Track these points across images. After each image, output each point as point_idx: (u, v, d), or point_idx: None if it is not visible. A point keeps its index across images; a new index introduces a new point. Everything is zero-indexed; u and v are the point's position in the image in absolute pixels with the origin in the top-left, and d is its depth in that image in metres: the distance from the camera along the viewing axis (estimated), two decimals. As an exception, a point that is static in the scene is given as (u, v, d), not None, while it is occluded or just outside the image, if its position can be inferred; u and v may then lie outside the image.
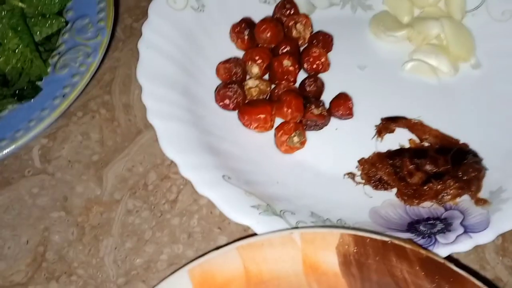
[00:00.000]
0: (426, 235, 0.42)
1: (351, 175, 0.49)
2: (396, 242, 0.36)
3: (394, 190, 0.48)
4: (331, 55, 0.57)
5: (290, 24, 0.56)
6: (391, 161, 0.48)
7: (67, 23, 0.56)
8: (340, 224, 0.44)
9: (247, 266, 0.36)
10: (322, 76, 0.55)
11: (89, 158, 0.53)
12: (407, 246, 0.36)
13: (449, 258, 0.38)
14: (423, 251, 0.36)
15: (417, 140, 0.51)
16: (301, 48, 0.57)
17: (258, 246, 0.36)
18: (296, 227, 0.41)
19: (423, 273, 0.35)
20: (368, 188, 0.49)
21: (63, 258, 0.47)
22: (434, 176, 0.47)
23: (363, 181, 0.49)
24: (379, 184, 0.48)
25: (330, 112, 0.53)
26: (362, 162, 0.50)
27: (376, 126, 0.52)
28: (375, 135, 0.51)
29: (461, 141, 0.50)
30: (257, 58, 0.54)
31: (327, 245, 0.37)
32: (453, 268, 0.35)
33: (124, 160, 0.53)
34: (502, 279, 0.46)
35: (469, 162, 0.47)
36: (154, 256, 0.47)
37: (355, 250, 0.36)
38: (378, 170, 0.48)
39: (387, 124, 0.52)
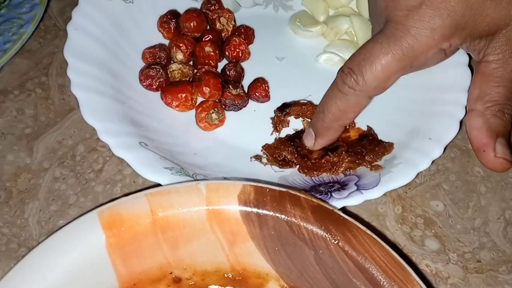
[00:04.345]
0: (324, 192, 0.43)
1: (258, 158, 0.50)
2: (292, 191, 0.37)
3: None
4: (252, 47, 0.59)
5: (214, 17, 0.58)
6: (292, 143, 0.50)
7: (4, 0, 0.58)
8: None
9: (154, 210, 0.36)
10: (243, 64, 0.57)
11: (21, 131, 0.53)
12: (301, 195, 0.37)
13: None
14: (315, 200, 0.37)
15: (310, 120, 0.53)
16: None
17: (166, 193, 0.37)
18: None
19: (313, 218, 0.36)
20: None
21: (-12, 218, 0.47)
22: (330, 150, 0.48)
23: (269, 162, 0.50)
24: (284, 163, 0.49)
25: (248, 95, 0.54)
26: (266, 147, 0.51)
27: (271, 118, 0.53)
28: (273, 131, 0.53)
29: (370, 124, 0.52)
30: (181, 45, 0.55)
31: (230, 193, 0.37)
32: (340, 214, 0.36)
33: (55, 133, 0.53)
34: (400, 244, 0.47)
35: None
36: (77, 218, 0.47)
37: (254, 198, 0.37)
38: (281, 151, 0.50)
39: (281, 117, 0.53)
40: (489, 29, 0.44)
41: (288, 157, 0.49)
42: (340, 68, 0.46)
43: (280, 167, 0.50)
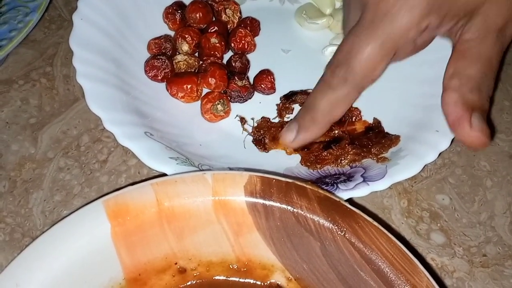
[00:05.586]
0: (330, 184, 0.43)
1: (243, 120, 0.52)
2: (298, 183, 0.37)
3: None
4: (258, 39, 0.58)
5: (220, 8, 0.57)
6: None
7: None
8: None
9: (160, 199, 0.36)
10: (249, 56, 0.56)
11: (26, 121, 0.52)
12: (308, 186, 0.37)
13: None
14: (321, 191, 0.36)
15: None
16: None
17: (172, 183, 0.36)
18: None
19: (320, 209, 0.36)
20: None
21: (-8, 207, 0.47)
22: (332, 142, 0.48)
23: (247, 131, 0.51)
24: (258, 142, 0.50)
25: (254, 87, 0.53)
26: (263, 119, 0.52)
27: (276, 105, 0.53)
28: (276, 116, 0.52)
29: (376, 117, 0.52)
30: (187, 36, 0.54)
31: (236, 183, 0.37)
32: (347, 206, 0.36)
33: (59, 123, 0.52)
34: (406, 237, 0.47)
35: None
36: (81, 208, 0.47)
37: (261, 189, 0.37)
38: (266, 133, 0.50)
39: (286, 103, 0.53)
40: (466, 7, 0.42)
41: (266, 141, 0.49)
42: (328, 63, 0.45)
43: (253, 142, 0.50)
